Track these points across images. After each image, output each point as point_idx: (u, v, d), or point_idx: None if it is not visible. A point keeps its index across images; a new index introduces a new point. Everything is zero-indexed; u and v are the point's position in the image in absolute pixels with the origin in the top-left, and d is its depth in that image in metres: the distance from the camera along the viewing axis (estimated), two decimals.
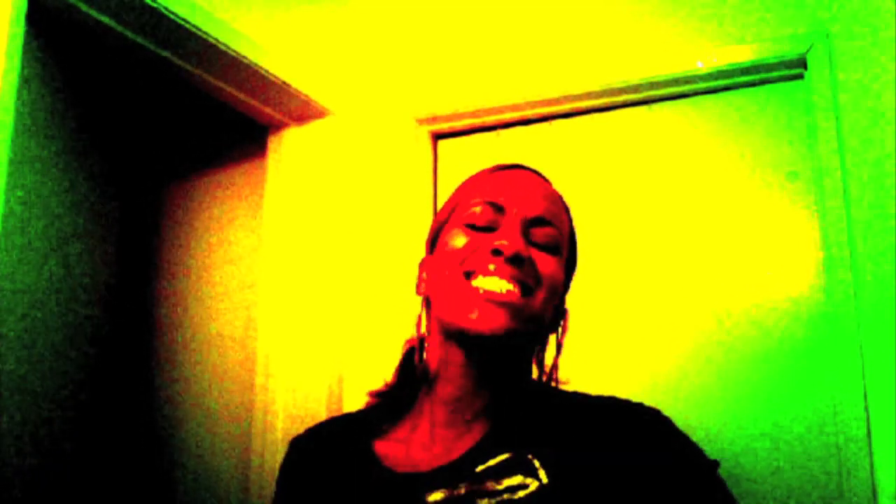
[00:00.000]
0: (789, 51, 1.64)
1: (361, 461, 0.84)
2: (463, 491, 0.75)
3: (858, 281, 1.50)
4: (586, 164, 1.84)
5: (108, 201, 1.99)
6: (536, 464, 0.76)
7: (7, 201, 1.38)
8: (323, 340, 1.90)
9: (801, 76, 1.67)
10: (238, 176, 2.15)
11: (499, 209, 0.86)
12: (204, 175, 2.22)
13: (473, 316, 0.79)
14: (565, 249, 0.90)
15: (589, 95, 1.83)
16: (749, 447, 1.57)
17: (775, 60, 1.66)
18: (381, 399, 0.93)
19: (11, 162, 1.35)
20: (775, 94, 1.71)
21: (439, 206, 1.97)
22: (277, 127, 2.03)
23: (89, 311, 1.91)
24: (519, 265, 0.82)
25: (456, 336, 0.83)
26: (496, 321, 0.79)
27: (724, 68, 1.70)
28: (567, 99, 1.84)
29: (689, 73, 1.73)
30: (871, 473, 1.43)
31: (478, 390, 0.84)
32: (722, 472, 0.83)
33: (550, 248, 0.86)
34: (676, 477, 0.78)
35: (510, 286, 0.81)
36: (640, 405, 0.84)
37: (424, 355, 0.88)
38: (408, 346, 0.94)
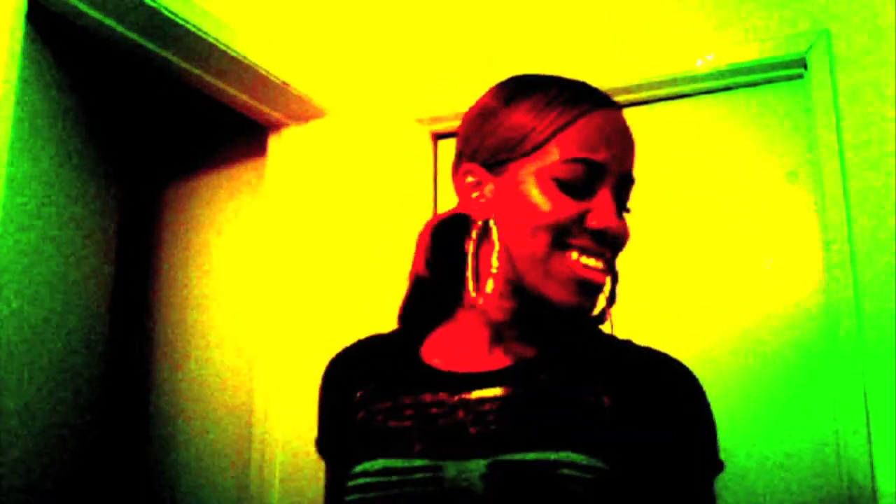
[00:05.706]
0: (789, 51, 1.64)
1: (409, 362, 0.86)
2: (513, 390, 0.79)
3: (858, 281, 1.50)
4: None
5: (108, 201, 1.99)
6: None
7: (6, 201, 1.38)
8: (323, 339, 1.90)
9: (801, 76, 1.67)
10: (238, 175, 2.15)
11: (598, 171, 0.78)
12: (204, 175, 2.22)
13: (564, 291, 0.77)
14: None
15: None
16: (749, 444, 1.58)
17: (775, 60, 1.66)
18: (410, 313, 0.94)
19: (11, 162, 1.35)
20: (775, 94, 1.71)
21: (440, 206, 1.98)
22: (277, 127, 2.03)
23: (88, 311, 1.91)
24: (616, 248, 0.79)
25: (534, 298, 0.79)
26: (586, 299, 0.78)
27: (724, 68, 1.70)
28: None
29: (689, 73, 1.73)
30: (872, 472, 1.43)
31: (531, 325, 0.84)
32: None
33: (626, 208, 0.82)
34: (674, 464, 0.77)
35: (601, 265, 0.78)
36: (678, 369, 0.84)
37: (470, 286, 0.82)
38: (413, 275, 0.92)
